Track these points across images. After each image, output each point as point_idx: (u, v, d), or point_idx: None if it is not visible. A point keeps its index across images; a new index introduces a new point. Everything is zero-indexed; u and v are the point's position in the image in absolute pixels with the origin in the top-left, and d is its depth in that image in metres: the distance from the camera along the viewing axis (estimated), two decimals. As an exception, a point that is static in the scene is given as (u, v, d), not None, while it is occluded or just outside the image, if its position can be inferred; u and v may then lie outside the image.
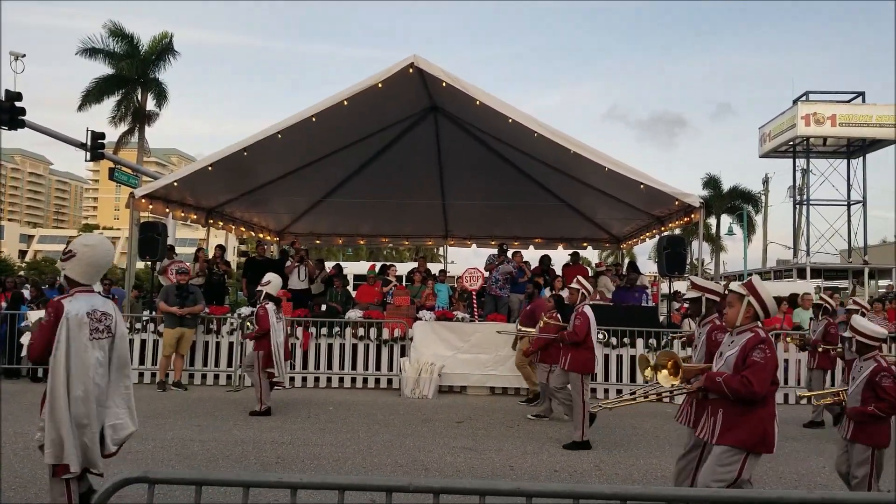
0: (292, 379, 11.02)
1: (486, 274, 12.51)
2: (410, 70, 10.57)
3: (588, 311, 7.65)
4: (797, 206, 41.53)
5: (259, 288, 8.99)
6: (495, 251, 13.55)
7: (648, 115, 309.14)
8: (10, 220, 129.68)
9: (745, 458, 4.03)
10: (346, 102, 10.70)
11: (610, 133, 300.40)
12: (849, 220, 40.73)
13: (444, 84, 10.74)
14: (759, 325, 4.20)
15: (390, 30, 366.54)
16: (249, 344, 9.52)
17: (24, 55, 19.71)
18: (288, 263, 13.26)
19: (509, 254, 13.63)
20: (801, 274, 36.53)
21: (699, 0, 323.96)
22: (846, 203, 40.92)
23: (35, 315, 10.75)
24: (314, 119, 10.87)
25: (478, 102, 10.67)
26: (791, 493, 2.62)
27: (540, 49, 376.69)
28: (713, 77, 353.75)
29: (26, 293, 13.54)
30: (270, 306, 8.76)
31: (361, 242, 19.78)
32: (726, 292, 4.60)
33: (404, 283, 14.71)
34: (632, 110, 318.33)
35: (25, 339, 10.57)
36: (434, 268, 16.44)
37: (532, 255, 14.72)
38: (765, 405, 4.07)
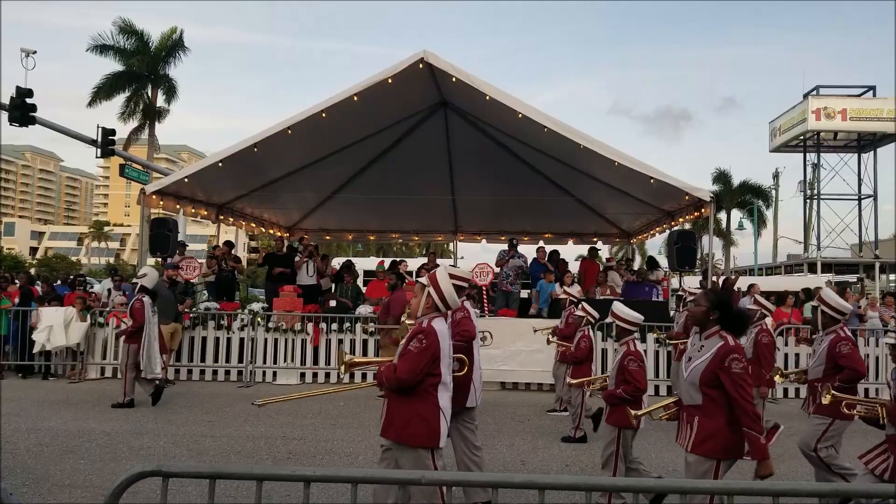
0: (303, 375, 11.05)
1: (497, 269, 12.49)
2: (420, 66, 10.55)
3: None
4: (808, 201, 41.26)
5: (134, 280, 9.03)
6: (505, 247, 13.52)
7: (653, 109, 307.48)
8: (20, 216, 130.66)
9: (432, 454, 3.91)
10: (356, 98, 10.68)
11: (614, 128, 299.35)
12: (859, 215, 40.48)
13: (453, 80, 10.71)
14: (440, 314, 4.14)
15: (393, 27, 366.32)
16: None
17: (34, 52, 19.77)
18: (297, 259, 13.28)
19: (534, 248, 13.60)
20: (812, 268, 36.35)
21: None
22: (857, 197, 40.63)
23: (47, 312, 10.86)
24: (324, 114, 10.86)
25: (487, 98, 10.63)
26: (804, 485, 2.60)
27: (540, 45, 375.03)
28: (717, 71, 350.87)
29: (38, 289, 13.63)
30: (146, 299, 8.74)
31: (371, 238, 19.79)
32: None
33: (414, 279, 14.71)
34: (636, 105, 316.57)
35: (38, 336, 10.65)
36: (445, 263, 16.42)
37: (542, 250, 14.64)
38: (423, 398, 3.96)
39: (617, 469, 4.99)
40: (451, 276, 5.51)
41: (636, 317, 5.32)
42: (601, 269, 14.36)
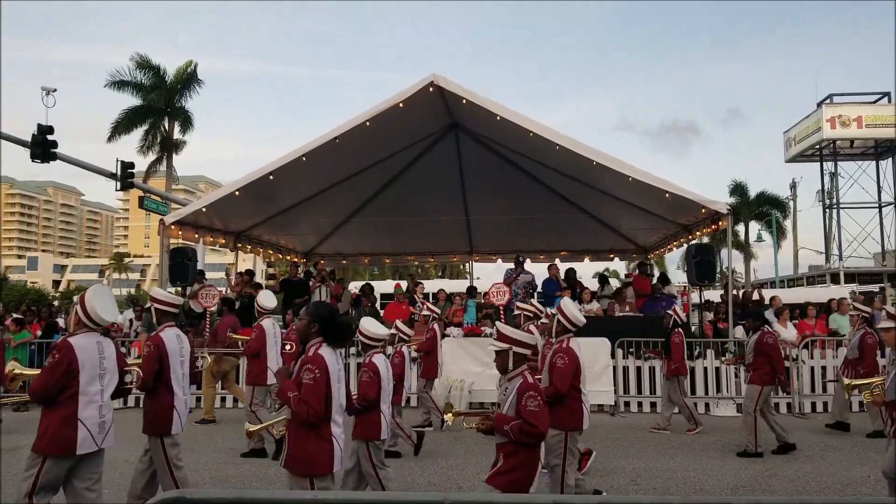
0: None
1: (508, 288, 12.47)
2: (430, 89, 10.66)
3: (265, 323, 7.94)
4: (827, 210, 40.85)
5: None
6: (512, 265, 13.53)
7: (659, 124, 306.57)
8: (43, 250, 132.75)
9: (43, 461, 4.17)
10: (368, 123, 10.79)
11: (622, 144, 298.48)
12: (881, 223, 40.01)
13: (464, 101, 10.81)
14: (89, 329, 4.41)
15: (402, 51, 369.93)
16: None
17: (55, 90, 20.16)
18: (311, 283, 13.41)
19: (545, 266, 13.55)
20: (835, 279, 35.86)
21: (701, 0, 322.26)
22: (877, 205, 40.18)
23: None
24: (337, 140, 10.98)
25: (498, 118, 10.70)
26: (817, 499, 2.56)
27: (544, 66, 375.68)
28: (722, 83, 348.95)
29: (61, 322, 13.82)
30: None
31: (387, 261, 19.85)
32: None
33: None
34: (641, 120, 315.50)
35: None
36: (462, 284, 16.43)
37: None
38: (57, 409, 4.21)
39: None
40: (157, 301, 5.53)
41: (379, 333, 5.61)
42: (652, 283, 14.15)
